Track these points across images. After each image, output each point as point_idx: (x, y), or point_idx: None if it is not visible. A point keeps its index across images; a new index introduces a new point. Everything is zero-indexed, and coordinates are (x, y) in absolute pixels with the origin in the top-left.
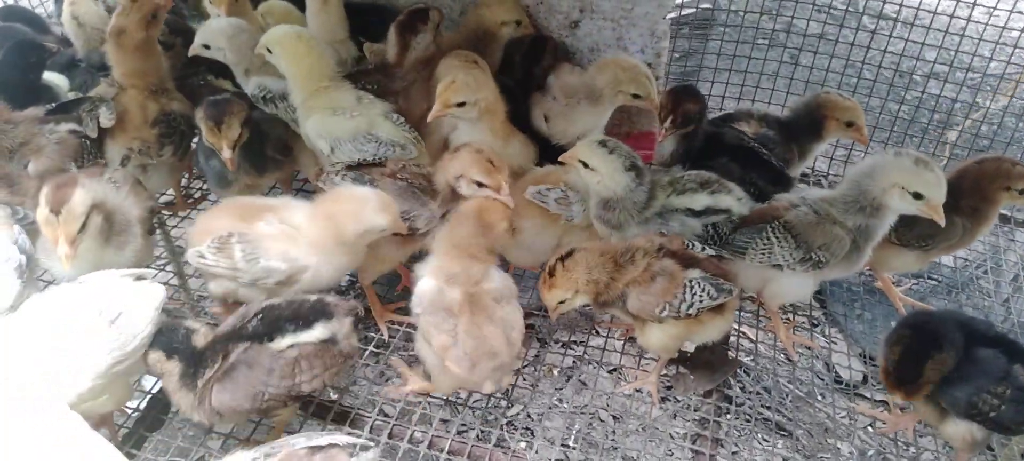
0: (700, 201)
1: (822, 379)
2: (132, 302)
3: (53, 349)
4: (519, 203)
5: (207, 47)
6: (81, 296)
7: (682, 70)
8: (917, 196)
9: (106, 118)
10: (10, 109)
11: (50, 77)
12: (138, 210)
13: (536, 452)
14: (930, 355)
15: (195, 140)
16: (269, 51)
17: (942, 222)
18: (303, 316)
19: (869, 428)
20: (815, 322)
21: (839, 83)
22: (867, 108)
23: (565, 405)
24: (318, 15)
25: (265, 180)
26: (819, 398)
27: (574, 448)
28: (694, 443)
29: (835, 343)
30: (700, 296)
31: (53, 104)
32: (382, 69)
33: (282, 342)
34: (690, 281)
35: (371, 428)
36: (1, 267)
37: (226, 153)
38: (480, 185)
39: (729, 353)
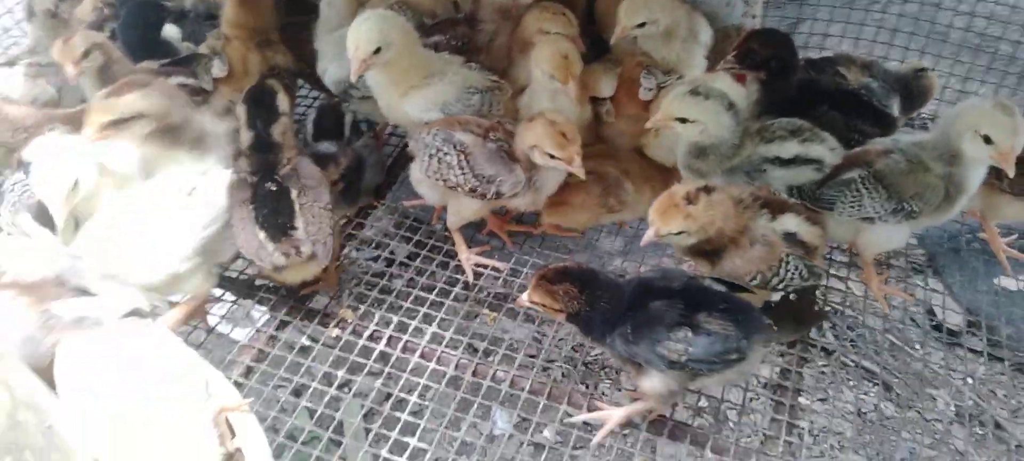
0: (789, 150)
1: (920, 327)
2: (203, 180)
3: (143, 233)
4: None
5: (379, 50)
6: (155, 187)
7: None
8: (987, 140)
9: (218, 69)
10: (132, 62)
11: (164, 30)
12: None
13: (620, 391)
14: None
15: None
16: (379, 50)
17: (1011, 172)
18: None
19: (969, 379)
20: (917, 267)
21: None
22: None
23: None
24: None
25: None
26: (916, 347)
27: None
28: (775, 393)
29: (936, 291)
30: (792, 276)
31: (167, 59)
32: (468, 21)
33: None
34: (787, 257)
35: (456, 365)
36: None
37: None
38: (552, 157)
39: (816, 303)
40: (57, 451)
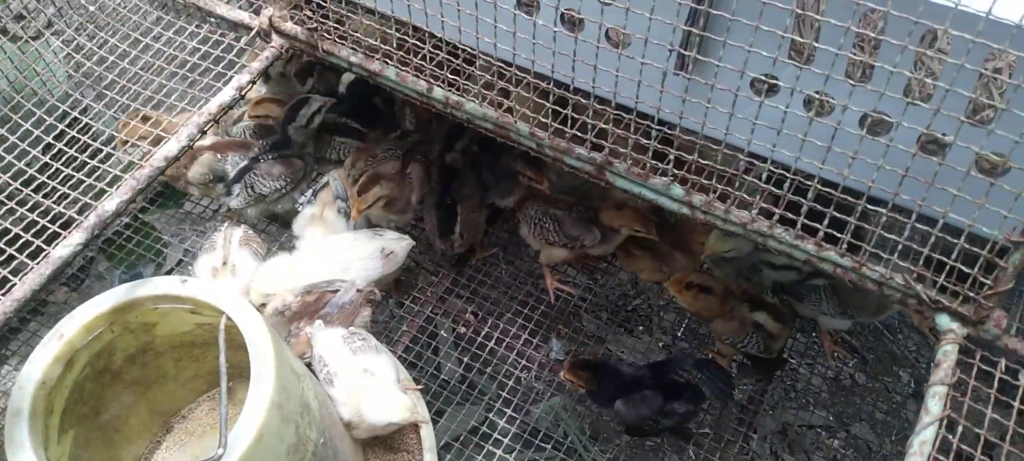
0: (780, 259)
1: (905, 319)
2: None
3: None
4: None
5: None
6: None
7: None
8: None
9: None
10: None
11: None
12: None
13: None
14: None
15: None
16: None
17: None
18: None
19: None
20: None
21: None
22: None
23: None
24: None
25: None
26: (897, 333)
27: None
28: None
29: None
30: (752, 346)
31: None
32: None
33: None
34: (752, 334)
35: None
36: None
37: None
38: (638, 232)
39: (780, 358)
40: (321, 414)
